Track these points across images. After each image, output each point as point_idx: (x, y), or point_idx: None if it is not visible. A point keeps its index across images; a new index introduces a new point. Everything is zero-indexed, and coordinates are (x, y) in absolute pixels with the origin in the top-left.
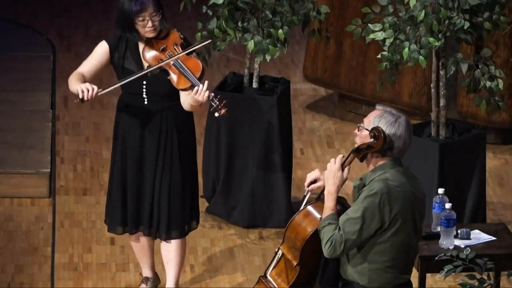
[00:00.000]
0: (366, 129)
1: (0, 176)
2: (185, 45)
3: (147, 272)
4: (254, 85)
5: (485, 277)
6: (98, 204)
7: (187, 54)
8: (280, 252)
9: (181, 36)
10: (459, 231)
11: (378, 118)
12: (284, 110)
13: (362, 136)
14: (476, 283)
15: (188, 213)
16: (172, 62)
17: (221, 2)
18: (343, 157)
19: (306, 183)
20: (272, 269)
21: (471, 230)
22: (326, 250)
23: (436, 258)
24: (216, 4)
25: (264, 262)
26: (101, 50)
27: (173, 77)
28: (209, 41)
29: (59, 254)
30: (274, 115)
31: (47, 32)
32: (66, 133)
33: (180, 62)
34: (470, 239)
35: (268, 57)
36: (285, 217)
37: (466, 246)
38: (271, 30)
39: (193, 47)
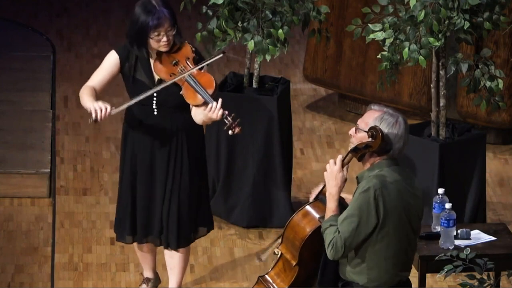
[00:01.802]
0: (364, 131)
1: (0, 176)
2: (197, 59)
3: (148, 273)
4: (254, 85)
5: (485, 277)
6: (98, 204)
7: (199, 68)
8: (278, 252)
9: (193, 49)
10: (459, 231)
11: (378, 120)
12: (284, 110)
13: (358, 138)
14: (476, 283)
15: (193, 221)
16: (184, 78)
17: (221, 2)
18: (343, 157)
19: (311, 197)
20: (271, 269)
21: (471, 230)
22: (329, 253)
23: (436, 258)
24: (216, 4)
25: (264, 262)
26: (111, 61)
27: (186, 93)
28: (221, 55)
29: (59, 254)
30: (274, 115)
31: (47, 32)
32: (66, 133)
33: (193, 78)
34: (470, 239)
35: (268, 57)
36: (285, 217)
37: (466, 246)
38: (271, 30)
39: (205, 61)
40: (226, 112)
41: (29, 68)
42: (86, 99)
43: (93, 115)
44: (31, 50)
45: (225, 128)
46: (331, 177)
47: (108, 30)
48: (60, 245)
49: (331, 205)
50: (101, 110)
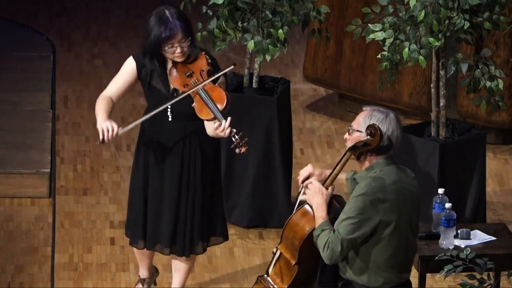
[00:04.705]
0: (358, 131)
1: (0, 176)
2: (212, 71)
3: (144, 273)
4: (254, 85)
5: (485, 277)
6: (98, 204)
7: (213, 82)
8: (278, 251)
9: (209, 61)
10: (459, 231)
11: (368, 118)
12: (284, 110)
13: (353, 139)
14: (476, 283)
15: (207, 230)
16: (197, 90)
17: (221, 2)
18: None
19: (300, 180)
20: (271, 269)
21: (471, 230)
22: (325, 255)
23: (436, 258)
24: (216, 4)
25: (264, 262)
26: (128, 69)
27: (197, 105)
28: (232, 67)
29: (59, 254)
30: (274, 115)
31: (47, 32)
32: (66, 133)
33: (205, 92)
34: (470, 239)
35: (268, 57)
36: (285, 217)
37: (466, 246)
38: (271, 30)
39: (216, 74)
40: (234, 131)
41: (29, 68)
42: (99, 113)
43: (100, 136)
44: (31, 50)
45: (232, 146)
46: (315, 193)
47: (108, 30)
48: (60, 245)
49: (320, 214)
50: (108, 131)
